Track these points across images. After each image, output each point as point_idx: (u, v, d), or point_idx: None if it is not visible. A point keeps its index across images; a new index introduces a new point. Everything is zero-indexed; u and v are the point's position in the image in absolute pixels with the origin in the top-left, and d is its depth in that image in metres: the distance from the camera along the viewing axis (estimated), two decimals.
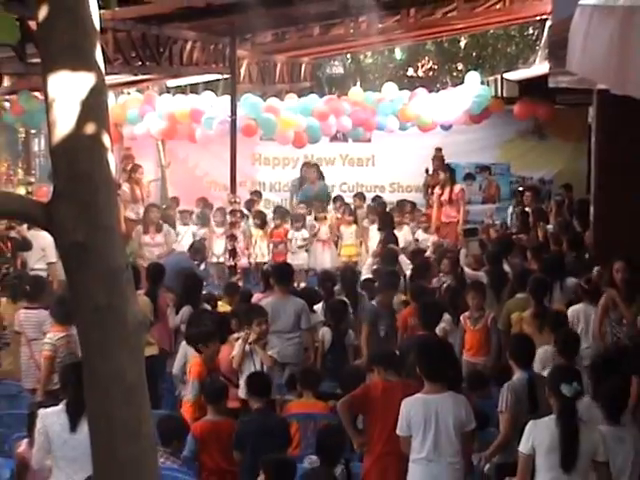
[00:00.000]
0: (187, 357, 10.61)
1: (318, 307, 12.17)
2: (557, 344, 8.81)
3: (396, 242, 16.62)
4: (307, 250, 18.13)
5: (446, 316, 11.15)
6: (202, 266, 16.82)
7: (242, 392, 9.94)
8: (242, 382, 10.03)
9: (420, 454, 7.52)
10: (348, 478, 8.27)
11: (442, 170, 19.74)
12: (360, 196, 20.16)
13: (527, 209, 17.46)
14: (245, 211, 18.77)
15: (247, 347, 10.22)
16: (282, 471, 7.27)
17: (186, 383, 10.48)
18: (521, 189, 20.44)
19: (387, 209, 18.96)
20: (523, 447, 7.07)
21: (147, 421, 2.92)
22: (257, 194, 20.36)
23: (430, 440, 7.51)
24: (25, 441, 8.26)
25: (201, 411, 9.11)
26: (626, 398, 7.75)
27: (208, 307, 12.06)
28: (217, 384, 9.25)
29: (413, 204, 19.92)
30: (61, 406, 7.79)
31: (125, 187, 19.65)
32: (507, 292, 12.31)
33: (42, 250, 14.42)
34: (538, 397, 8.06)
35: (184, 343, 10.88)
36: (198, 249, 16.65)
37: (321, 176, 20.80)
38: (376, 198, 20.18)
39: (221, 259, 17.77)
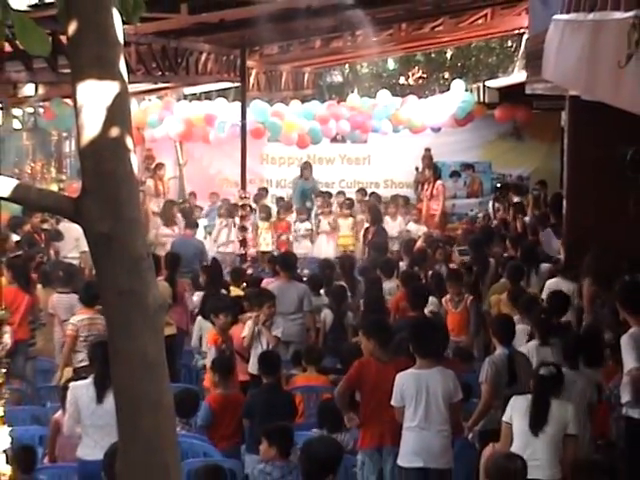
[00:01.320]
0: (202, 330, 10.85)
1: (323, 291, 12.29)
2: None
3: (385, 234, 16.76)
4: (312, 240, 18.26)
5: (433, 299, 11.19)
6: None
7: (251, 367, 9.98)
8: (252, 358, 10.08)
9: (412, 423, 7.55)
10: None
11: (429, 168, 19.85)
12: (362, 192, 20.38)
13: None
14: (253, 205, 18.86)
15: (256, 328, 10.27)
16: (282, 436, 7.31)
17: (202, 353, 10.63)
18: (499, 185, 20.54)
19: (381, 203, 19.12)
20: (505, 416, 7.15)
21: (166, 394, 2.92)
22: (264, 190, 20.45)
23: (422, 410, 7.54)
24: (60, 410, 8.32)
25: None
26: (580, 348, 8.14)
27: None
28: (226, 362, 9.27)
29: (407, 198, 20.06)
30: (89, 380, 7.82)
31: (150, 183, 19.74)
32: (490, 276, 12.39)
33: (75, 240, 14.42)
34: (517, 371, 8.10)
35: (199, 318, 11.02)
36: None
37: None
38: (372, 194, 20.23)
39: (223, 248, 17.78)
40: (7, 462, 7.05)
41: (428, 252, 14.02)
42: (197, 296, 12.34)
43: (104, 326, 9.95)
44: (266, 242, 18.13)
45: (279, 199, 20.37)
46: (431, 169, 19.88)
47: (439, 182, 19.59)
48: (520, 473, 5.98)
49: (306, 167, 21.07)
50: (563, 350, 8.16)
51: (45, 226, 15.58)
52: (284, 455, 7.25)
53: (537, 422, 6.94)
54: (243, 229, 17.61)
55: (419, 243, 15.47)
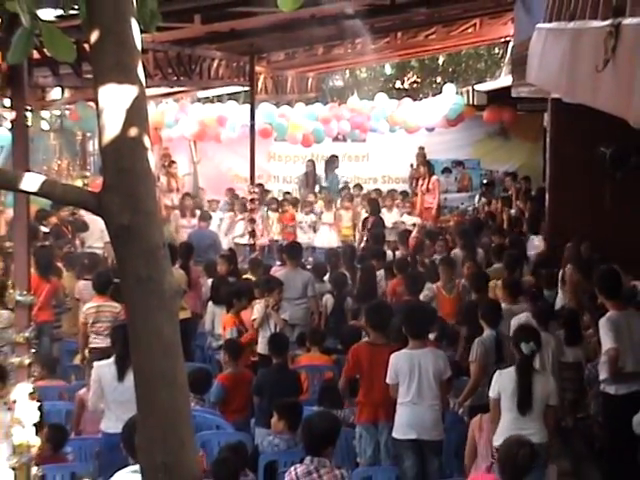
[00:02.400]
0: (214, 314, 10.94)
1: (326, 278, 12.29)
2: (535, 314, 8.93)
3: (383, 225, 16.78)
4: (315, 230, 18.26)
5: (429, 285, 11.18)
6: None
7: (260, 348, 9.99)
8: (260, 339, 10.08)
9: (406, 398, 7.56)
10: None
11: (423, 165, 19.87)
12: (359, 186, 20.38)
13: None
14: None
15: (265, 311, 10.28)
16: (292, 411, 7.35)
17: (215, 336, 10.63)
18: (485, 182, 20.56)
19: (380, 197, 19.14)
20: (492, 392, 7.15)
21: (181, 372, 2.92)
22: (260, 186, 20.19)
23: (414, 387, 7.56)
24: (85, 388, 8.35)
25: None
26: (551, 313, 8.93)
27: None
28: (237, 344, 9.29)
29: (406, 192, 20.09)
30: (111, 359, 7.84)
31: (163, 179, 19.72)
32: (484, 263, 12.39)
33: (101, 231, 14.40)
34: (503, 351, 8.12)
35: (211, 303, 11.04)
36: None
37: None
38: (374, 190, 20.26)
39: (239, 239, 17.76)
40: (37, 434, 7.11)
41: (426, 243, 14.03)
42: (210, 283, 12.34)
43: (111, 312, 10.07)
44: (277, 231, 18.19)
45: (286, 193, 20.35)
46: (425, 166, 19.92)
47: (434, 177, 19.61)
48: (529, 458, 5.84)
49: (334, 160, 21.24)
50: (537, 315, 8.62)
51: (71, 218, 15.60)
52: (292, 429, 7.31)
53: (525, 404, 6.99)
54: (252, 221, 17.62)
55: (414, 234, 15.49)
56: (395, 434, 7.62)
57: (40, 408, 7.09)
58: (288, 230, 18.06)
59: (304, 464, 6.12)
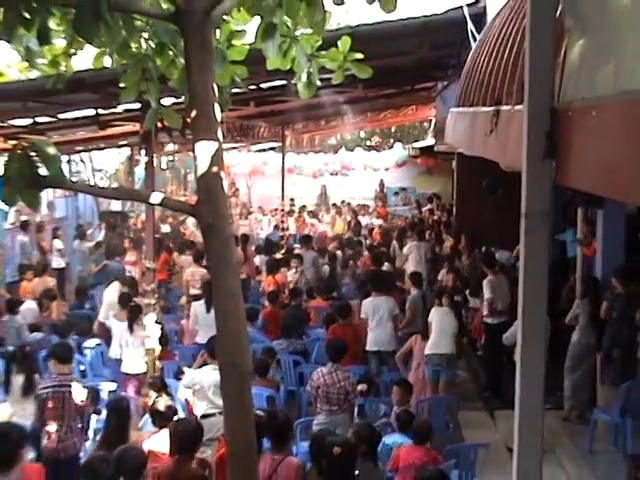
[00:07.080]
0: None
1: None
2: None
3: (360, 225, 16.74)
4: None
5: (388, 264, 11.10)
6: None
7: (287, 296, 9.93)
8: (287, 291, 10.03)
9: (372, 326, 7.55)
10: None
11: (381, 191, 19.91)
12: (344, 202, 20.21)
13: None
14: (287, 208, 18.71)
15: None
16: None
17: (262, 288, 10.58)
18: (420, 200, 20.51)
19: (355, 209, 19.07)
20: (429, 319, 7.14)
21: (242, 309, 2.92)
22: (292, 200, 20.09)
23: (376, 320, 7.53)
24: (185, 318, 8.36)
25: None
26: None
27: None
28: (276, 293, 9.25)
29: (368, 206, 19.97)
30: (202, 300, 7.84)
31: (233, 200, 19.64)
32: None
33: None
34: (426, 303, 8.07)
35: (264, 269, 10.95)
36: None
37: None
38: (349, 204, 20.18)
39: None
40: (160, 343, 7.13)
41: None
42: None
43: (201, 275, 9.90)
44: (294, 228, 18.16)
45: (302, 207, 20.26)
46: (382, 191, 19.93)
47: (382, 209, 19.69)
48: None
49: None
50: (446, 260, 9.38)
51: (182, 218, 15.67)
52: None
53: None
54: (283, 222, 17.62)
55: (376, 230, 15.46)
56: (367, 347, 7.59)
57: (161, 329, 7.10)
58: (299, 227, 18.00)
59: (327, 367, 5.90)
